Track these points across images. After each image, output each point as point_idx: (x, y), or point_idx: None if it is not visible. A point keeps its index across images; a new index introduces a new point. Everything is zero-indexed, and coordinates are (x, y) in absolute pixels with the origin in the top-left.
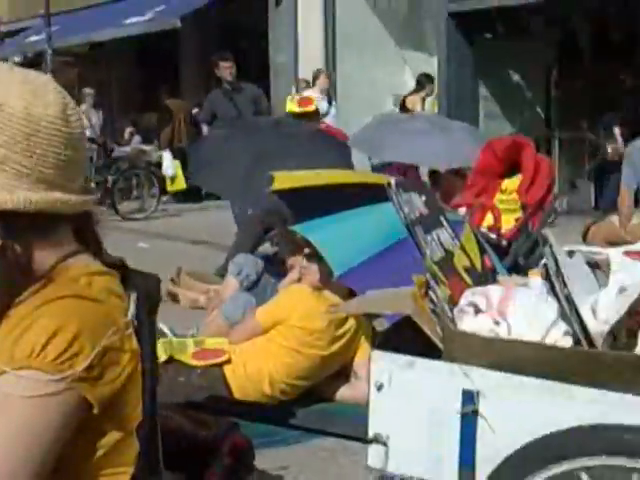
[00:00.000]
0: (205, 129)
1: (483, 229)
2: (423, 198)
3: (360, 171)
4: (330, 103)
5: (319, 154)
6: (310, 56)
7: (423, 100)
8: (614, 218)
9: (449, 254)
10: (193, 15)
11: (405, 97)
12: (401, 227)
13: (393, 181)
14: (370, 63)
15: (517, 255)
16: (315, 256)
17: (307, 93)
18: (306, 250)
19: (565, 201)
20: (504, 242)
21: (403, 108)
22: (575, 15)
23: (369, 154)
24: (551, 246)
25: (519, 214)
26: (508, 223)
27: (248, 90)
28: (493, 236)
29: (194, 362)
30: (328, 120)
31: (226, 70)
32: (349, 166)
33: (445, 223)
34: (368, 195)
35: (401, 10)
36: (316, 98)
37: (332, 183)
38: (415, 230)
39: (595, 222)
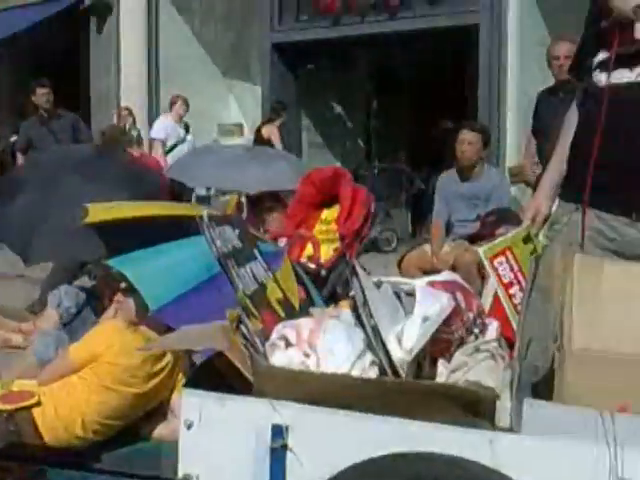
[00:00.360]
0: (20, 158)
1: (303, 259)
2: (236, 231)
3: (177, 203)
4: (187, 130)
5: (130, 186)
6: (132, 84)
7: (279, 129)
8: (427, 247)
9: (262, 287)
10: (10, 40)
11: (260, 126)
12: (216, 261)
13: (205, 214)
14: (194, 92)
15: (335, 285)
16: (130, 290)
17: (162, 118)
18: (122, 284)
19: (384, 230)
20: (323, 272)
21: (259, 138)
22: (395, 48)
23: (185, 181)
24: (358, 277)
25: (337, 244)
26: (327, 253)
27: (66, 117)
28: (312, 266)
29: (0, 406)
30: (185, 147)
31: (42, 97)
32: (165, 196)
33: (259, 256)
34: (184, 227)
35: (226, 40)
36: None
37: (146, 215)
38: (228, 264)
39: (410, 251)
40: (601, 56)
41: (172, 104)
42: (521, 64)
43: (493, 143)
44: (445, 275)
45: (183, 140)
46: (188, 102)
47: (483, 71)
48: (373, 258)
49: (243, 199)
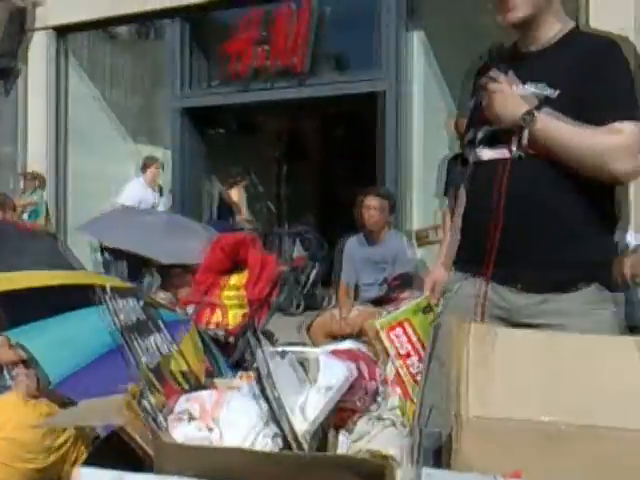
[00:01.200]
0: None
1: (211, 326)
2: (140, 303)
3: (81, 272)
4: (161, 193)
5: (25, 253)
6: (38, 150)
7: (243, 190)
8: (335, 311)
9: (166, 359)
10: None
11: (226, 189)
12: (117, 333)
13: (108, 285)
14: (102, 157)
15: (243, 351)
16: (30, 363)
17: (134, 184)
18: (21, 356)
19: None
20: (231, 339)
21: (225, 202)
22: (304, 114)
23: (103, 240)
24: (262, 347)
25: (246, 310)
26: (235, 319)
27: None
28: (221, 333)
29: None
30: (160, 210)
31: None
32: (64, 264)
33: (163, 327)
34: (85, 297)
35: (136, 103)
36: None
37: (47, 285)
38: (130, 336)
39: (318, 316)
40: (474, 132)
41: (145, 167)
42: (426, 130)
43: (399, 207)
44: (348, 343)
45: (157, 204)
46: (163, 165)
47: (390, 137)
48: (282, 321)
49: None
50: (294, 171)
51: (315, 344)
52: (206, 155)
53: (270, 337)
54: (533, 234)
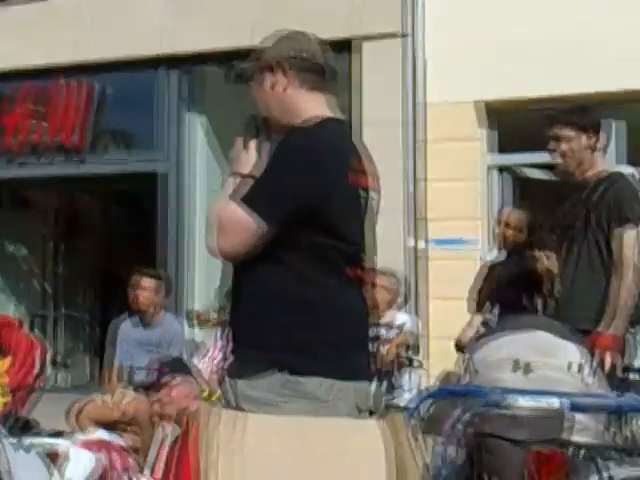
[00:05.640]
0: None
1: None
2: None
3: None
4: None
5: None
6: None
7: None
8: (106, 397)
9: None
10: None
11: None
12: None
13: None
14: None
15: None
16: None
17: None
18: None
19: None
20: None
21: None
22: (83, 191)
23: None
24: (3, 443)
25: (9, 397)
26: None
27: None
28: None
29: None
30: None
31: None
32: None
33: None
34: None
35: None
36: None
37: None
38: None
39: (88, 401)
40: None
41: None
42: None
43: (181, 288)
44: (101, 433)
45: None
46: None
47: (171, 217)
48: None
49: None
50: (72, 249)
51: (82, 430)
52: None
53: (33, 426)
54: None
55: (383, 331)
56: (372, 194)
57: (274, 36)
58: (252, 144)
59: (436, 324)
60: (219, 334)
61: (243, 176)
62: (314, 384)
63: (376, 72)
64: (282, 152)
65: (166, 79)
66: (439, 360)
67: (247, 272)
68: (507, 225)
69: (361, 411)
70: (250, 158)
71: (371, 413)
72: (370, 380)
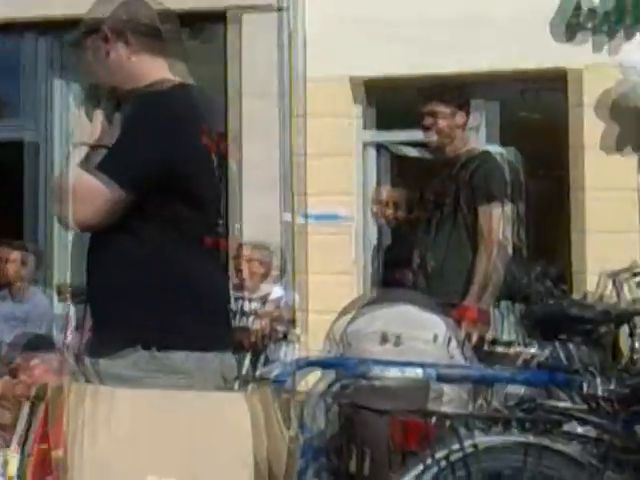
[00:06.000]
0: None
1: None
2: None
3: None
4: None
5: None
6: None
7: None
8: None
9: None
10: None
11: None
12: None
13: None
14: None
15: None
16: None
17: None
18: None
19: None
20: None
21: None
22: None
23: None
24: None
25: None
26: None
27: None
28: None
29: None
30: None
31: None
32: None
33: None
34: None
35: None
36: None
37: None
38: None
39: None
40: None
41: None
42: None
43: (51, 262)
44: None
45: None
46: None
47: (41, 186)
48: None
49: None
50: None
51: None
52: None
53: None
54: None
55: (257, 305)
56: (231, 163)
57: (107, 1)
58: (97, 114)
59: (315, 298)
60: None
61: (92, 146)
62: (179, 358)
63: (255, 44)
64: (132, 118)
65: (35, 44)
66: (318, 334)
67: (103, 244)
68: (385, 204)
69: (227, 382)
70: (95, 128)
71: (243, 385)
72: (236, 351)
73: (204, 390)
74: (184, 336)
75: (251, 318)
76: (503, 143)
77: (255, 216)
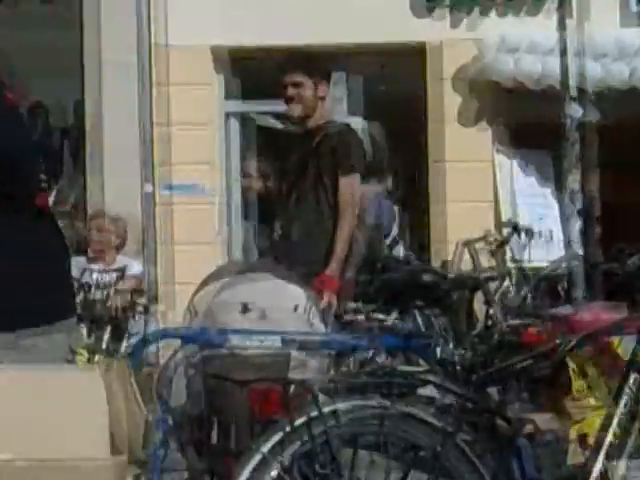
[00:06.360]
0: None
1: None
2: None
3: None
4: None
5: None
6: None
7: None
8: None
9: None
10: None
11: None
12: None
13: None
14: None
15: None
16: None
17: None
18: None
19: None
20: None
21: None
22: None
23: None
24: None
25: None
26: None
27: None
28: None
29: None
30: None
31: None
32: None
33: None
34: None
35: None
36: None
37: None
38: None
39: None
40: None
41: None
42: None
43: None
44: None
45: None
46: None
47: None
48: None
49: None
50: None
51: None
52: None
53: None
54: None
55: (113, 277)
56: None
57: None
58: None
59: (180, 270)
60: None
61: None
62: (26, 335)
63: (114, 11)
64: None
65: None
66: (183, 305)
67: None
68: (251, 176)
69: (75, 352)
70: None
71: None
72: (80, 319)
73: (52, 362)
74: (27, 308)
75: (108, 291)
76: (366, 117)
77: (115, 187)
